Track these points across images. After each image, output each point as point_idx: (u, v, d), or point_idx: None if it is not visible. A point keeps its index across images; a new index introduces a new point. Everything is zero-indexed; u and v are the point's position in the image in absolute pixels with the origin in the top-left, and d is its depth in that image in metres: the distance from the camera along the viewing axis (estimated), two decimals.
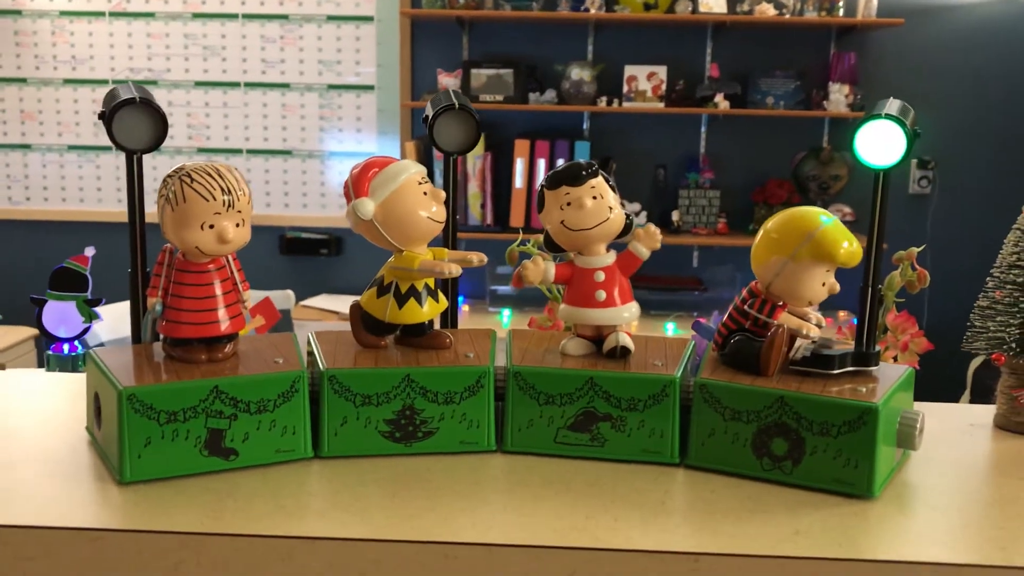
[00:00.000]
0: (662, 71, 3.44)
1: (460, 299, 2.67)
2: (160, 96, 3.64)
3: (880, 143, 0.98)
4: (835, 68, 3.47)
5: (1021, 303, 1.05)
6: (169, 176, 0.95)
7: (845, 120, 3.52)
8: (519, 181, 3.48)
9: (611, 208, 1.02)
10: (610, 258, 1.03)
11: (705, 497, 0.93)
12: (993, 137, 3.61)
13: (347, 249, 3.80)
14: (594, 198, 1.01)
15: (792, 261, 0.95)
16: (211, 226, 0.95)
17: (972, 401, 3.38)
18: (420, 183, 1.00)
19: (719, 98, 3.41)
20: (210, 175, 0.94)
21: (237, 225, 0.96)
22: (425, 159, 3.61)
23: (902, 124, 0.96)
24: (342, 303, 3.63)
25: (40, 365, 3.21)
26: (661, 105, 3.44)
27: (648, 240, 1.03)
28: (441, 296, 1.05)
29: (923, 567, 0.81)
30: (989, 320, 1.08)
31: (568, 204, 1.01)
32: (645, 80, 3.44)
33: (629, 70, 3.45)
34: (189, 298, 0.98)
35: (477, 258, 1.02)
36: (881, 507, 0.91)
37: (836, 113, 3.41)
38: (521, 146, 3.47)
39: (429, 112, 1.09)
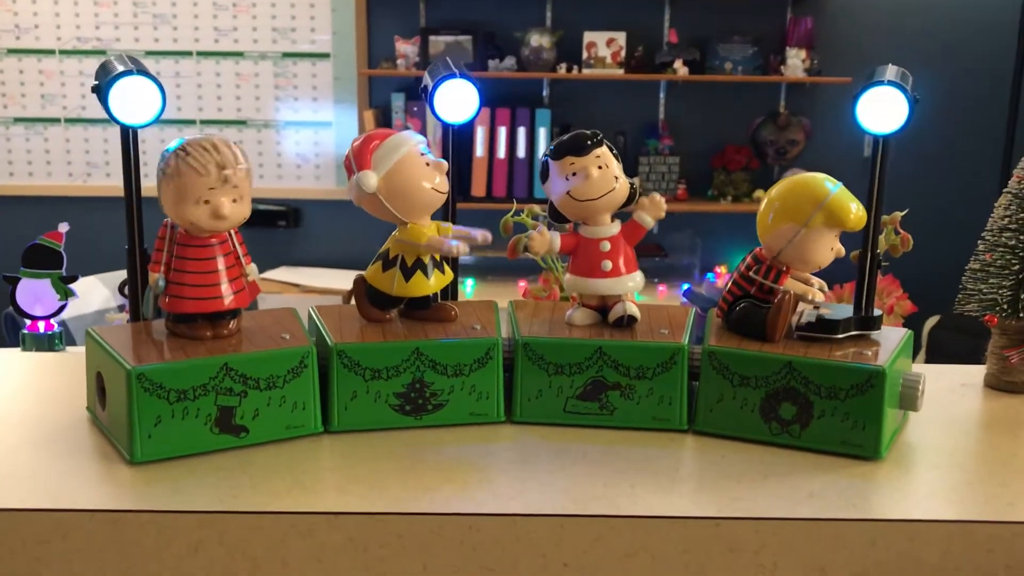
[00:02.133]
0: (621, 37, 3.43)
1: None
2: None
3: (881, 110, 0.99)
4: (792, 33, 3.50)
5: (1013, 265, 1.08)
6: (168, 150, 0.93)
7: (802, 85, 3.55)
8: (480, 150, 3.46)
9: (616, 177, 1.02)
10: (615, 228, 1.03)
11: (716, 462, 0.94)
12: (949, 100, 3.66)
13: (305, 221, 3.76)
14: (600, 168, 1.01)
15: (805, 228, 0.97)
16: (206, 201, 0.93)
17: (928, 360, 3.45)
18: (422, 154, 0.99)
19: (678, 64, 3.42)
20: (205, 149, 0.92)
21: (234, 201, 0.94)
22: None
23: (903, 90, 0.98)
24: (302, 275, 3.59)
25: None
26: (620, 72, 3.44)
27: (653, 209, 1.03)
28: (447, 268, 1.05)
29: (936, 524, 0.83)
30: (981, 283, 1.10)
31: (573, 175, 1.01)
32: (604, 46, 3.43)
33: (588, 36, 3.44)
34: (192, 272, 0.96)
35: (481, 236, 1.01)
36: (888, 468, 0.93)
37: (793, 78, 3.44)
38: (481, 114, 3.43)
39: (428, 82, 1.08)
